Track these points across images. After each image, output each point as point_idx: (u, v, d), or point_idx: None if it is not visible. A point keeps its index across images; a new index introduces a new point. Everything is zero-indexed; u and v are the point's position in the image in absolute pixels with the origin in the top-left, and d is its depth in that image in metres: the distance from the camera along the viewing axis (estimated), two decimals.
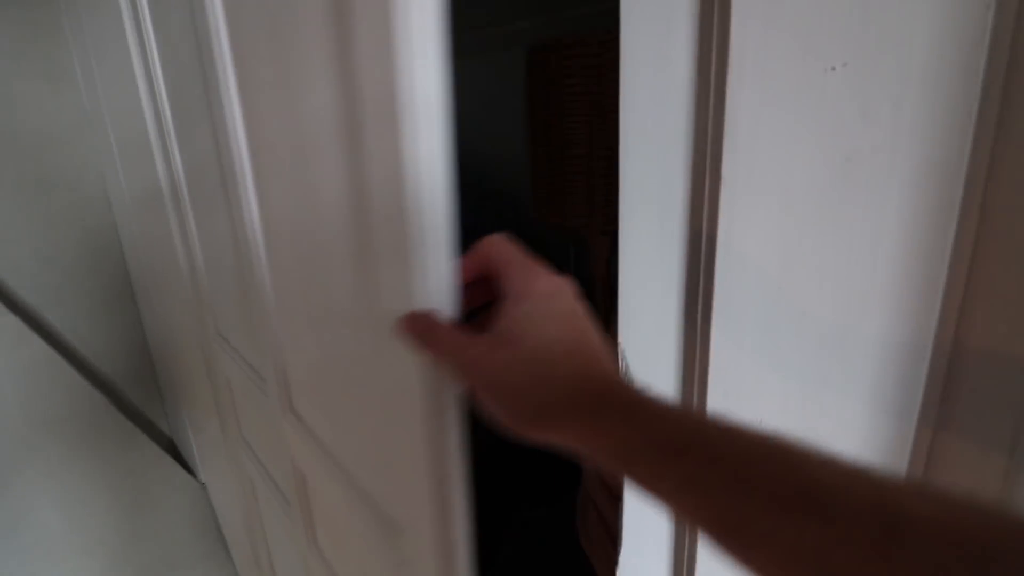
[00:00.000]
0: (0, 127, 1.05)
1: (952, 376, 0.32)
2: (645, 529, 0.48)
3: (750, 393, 0.39)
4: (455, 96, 0.27)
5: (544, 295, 0.28)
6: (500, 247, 0.30)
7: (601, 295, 0.66)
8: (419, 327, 0.29)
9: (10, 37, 1.04)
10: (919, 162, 0.28)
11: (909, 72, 0.28)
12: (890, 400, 0.36)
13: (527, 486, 1.39)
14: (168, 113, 0.73)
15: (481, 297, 0.32)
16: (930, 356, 0.32)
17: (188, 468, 1.33)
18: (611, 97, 0.56)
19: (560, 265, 1.40)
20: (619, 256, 0.42)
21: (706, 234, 0.37)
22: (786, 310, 0.36)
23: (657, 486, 0.22)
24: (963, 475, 0.32)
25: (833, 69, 0.29)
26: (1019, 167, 0.26)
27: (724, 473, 0.20)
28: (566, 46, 0.57)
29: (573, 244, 1.24)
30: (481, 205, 1.69)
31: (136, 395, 1.32)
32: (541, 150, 0.64)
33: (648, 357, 0.43)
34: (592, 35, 0.55)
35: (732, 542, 0.20)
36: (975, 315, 0.30)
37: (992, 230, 0.27)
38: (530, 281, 0.28)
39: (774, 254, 0.34)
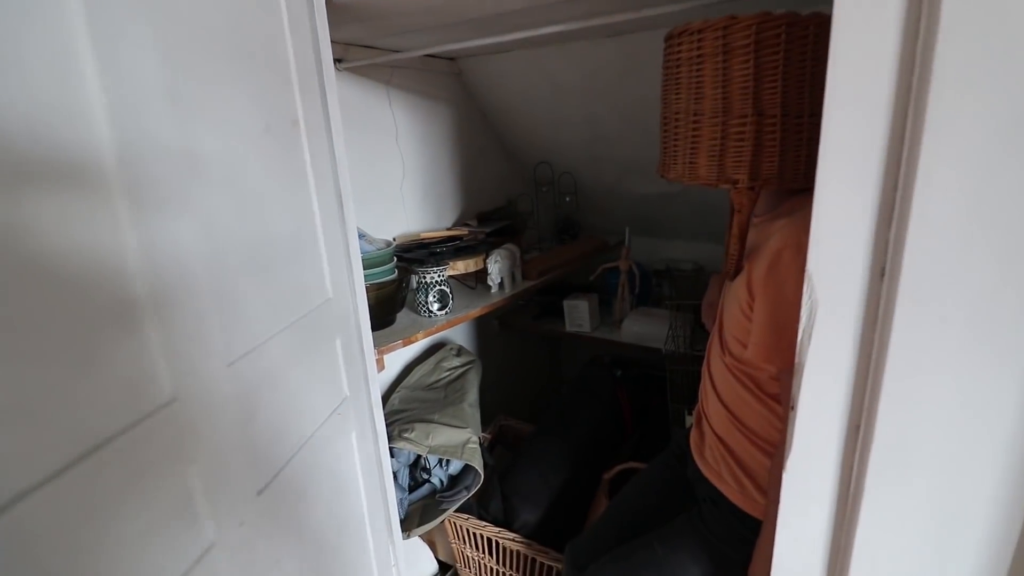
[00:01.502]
0: None
1: None
2: (815, 437, 0.57)
3: (925, 340, 0.48)
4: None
5: None
6: None
7: (737, 245, 0.75)
8: None
9: None
10: None
11: None
12: None
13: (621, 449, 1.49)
14: None
15: None
16: None
17: None
18: (768, 70, 0.65)
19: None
20: (813, 209, 0.50)
21: (902, 185, 0.46)
22: (956, 266, 0.45)
23: None
24: None
25: None
26: None
27: None
28: (724, 27, 0.66)
29: None
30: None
31: None
32: (683, 117, 0.73)
33: (835, 288, 0.52)
34: (750, 17, 0.64)
35: None
36: None
37: None
38: None
39: (957, 220, 0.43)
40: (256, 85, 0.72)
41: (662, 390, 1.48)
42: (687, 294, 1.62)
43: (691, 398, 1.40)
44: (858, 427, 0.55)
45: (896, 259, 0.49)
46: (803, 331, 0.55)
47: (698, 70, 0.69)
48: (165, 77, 0.56)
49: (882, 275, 0.51)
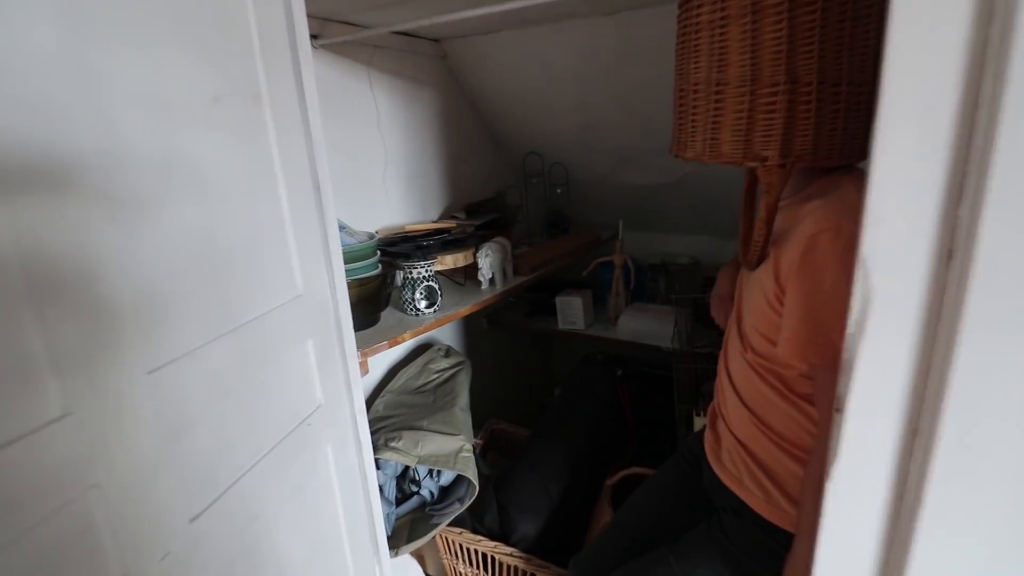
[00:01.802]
0: None
1: None
2: (866, 442, 0.50)
3: (1000, 331, 0.41)
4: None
5: None
6: None
7: (765, 231, 0.68)
8: None
9: None
10: None
11: None
12: None
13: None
14: None
15: None
16: None
17: None
18: (803, 32, 0.58)
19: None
20: (870, 184, 0.43)
21: (978, 155, 0.39)
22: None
23: None
24: None
25: None
26: None
27: None
28: None
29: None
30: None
31: None
32: (703, 88, 0.66)
33: (895, 274, 0.45)
34: None
35: None
36: None
37: None
38: None
39: None
40: (200, 51, 0.63)
41: (663, 389, 1.41)
42: (683, 288, 1.56)
43: (696, 398, 1.34)
44: (916, 431, 0.49)
45: (969, 240, 0.42)
46: (854, 323, 0.48)
47: (722, 34, 0.62)
48: (59, 39, 0.48)
49: (949, 258, 0.44)
